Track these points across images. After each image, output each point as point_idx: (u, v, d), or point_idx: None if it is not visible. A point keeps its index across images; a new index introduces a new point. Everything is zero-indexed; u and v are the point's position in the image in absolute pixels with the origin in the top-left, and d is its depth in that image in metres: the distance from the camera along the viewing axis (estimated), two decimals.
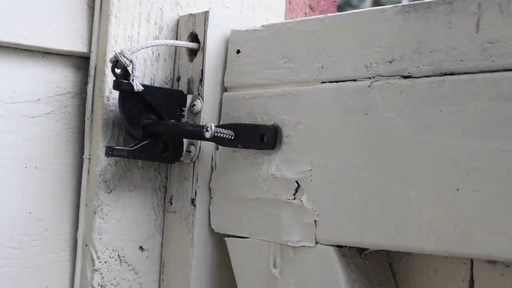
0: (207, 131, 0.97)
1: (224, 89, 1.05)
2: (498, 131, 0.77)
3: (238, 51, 1.03)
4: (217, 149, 1.04)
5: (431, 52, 0.83)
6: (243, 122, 1.00)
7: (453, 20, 0.81)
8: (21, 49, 1.03)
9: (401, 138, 0.84)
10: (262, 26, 1.01)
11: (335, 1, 1.34)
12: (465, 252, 0.79)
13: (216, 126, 0.97)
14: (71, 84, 1.07)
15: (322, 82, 0.93)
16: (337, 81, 0.91)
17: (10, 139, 1.03)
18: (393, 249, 0.86)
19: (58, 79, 1.06)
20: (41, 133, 1.05)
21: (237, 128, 0.99)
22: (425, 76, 0.83)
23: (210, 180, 1.04)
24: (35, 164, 1.05)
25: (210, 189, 1.04)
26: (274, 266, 0.96)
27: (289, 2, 1.26)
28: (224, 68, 1.05)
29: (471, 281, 0.86)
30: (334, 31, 0.92)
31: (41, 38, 1.04)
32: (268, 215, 0.97)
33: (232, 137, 0.98)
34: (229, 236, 1.02)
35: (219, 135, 0.97)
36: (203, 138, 0.98)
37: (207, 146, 1.04)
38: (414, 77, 0.84)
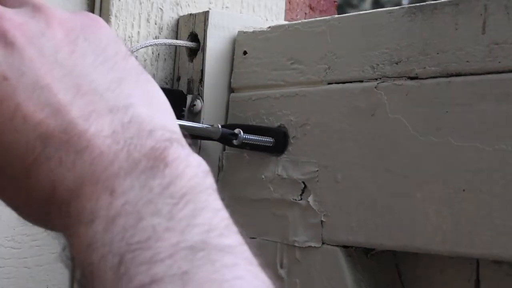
0: (236, 138, 0.95)
1: (231, 90, 1.05)
2: (504, 132, 0.77)
3: (245, 52, 1.03)
4: (224, 149, 1.04)
5: (438, 53, 0.83)
6: (251, 124, 1.00)
7: (460, 22, 0.81)
8: None
9: (407, 139, 0.84)
10: (269, 27, 1.01)
11: (335, 1, 1.34)
12: (471, 252, 0.79)
13: (243, 133, 0.95)
14: None
15: (329, 83, 0.93)
16: (343, 82, 0.91)
17: None
18: (400, 249, 0.86)
19: None
20: None
21: (245, 130, 0.98)
22: (431, 77, 0.83)
23: (217, 180, 1.04)
24: None
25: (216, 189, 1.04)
26: (281, 267, 0.96)
27: (289, 2, 1.26)
28: (225, 68, 1.05)
29: (477, 281, 0.86)
30: (340, 32, 0.92)
31: None
32: (274, 216, 0.97)
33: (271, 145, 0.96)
34: None
35: (248, 142, 0.95)
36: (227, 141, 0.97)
37: (207, 147, 1.04)
38: (420, 78, 0.84)
